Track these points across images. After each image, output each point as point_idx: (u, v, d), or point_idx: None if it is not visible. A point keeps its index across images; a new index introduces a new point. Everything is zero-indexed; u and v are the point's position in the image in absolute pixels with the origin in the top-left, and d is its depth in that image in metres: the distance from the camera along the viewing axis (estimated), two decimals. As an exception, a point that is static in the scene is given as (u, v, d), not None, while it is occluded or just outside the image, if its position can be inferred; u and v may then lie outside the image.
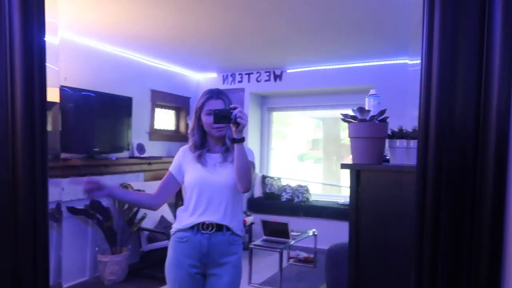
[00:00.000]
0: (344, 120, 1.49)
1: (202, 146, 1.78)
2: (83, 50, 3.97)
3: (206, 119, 1.73)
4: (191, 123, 1.83)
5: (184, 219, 1.73)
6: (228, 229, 1.71)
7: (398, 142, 1.40)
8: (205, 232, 1.68)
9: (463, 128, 0.91)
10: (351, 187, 1.42)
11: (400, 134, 1.40)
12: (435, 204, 0.92)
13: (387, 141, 1.46)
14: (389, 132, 1.46)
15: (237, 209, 1.76)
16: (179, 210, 1.79)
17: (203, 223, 1.69)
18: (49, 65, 0.96)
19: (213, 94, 1.78)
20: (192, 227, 1.70)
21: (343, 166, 1.48)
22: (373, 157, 1.40)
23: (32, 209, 1.01)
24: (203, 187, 1.71)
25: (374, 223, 1.36)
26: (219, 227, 1.69)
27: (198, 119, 1.78)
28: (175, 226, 1.78)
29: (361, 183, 1.38)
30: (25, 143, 1.02)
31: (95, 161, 4.00)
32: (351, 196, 1.43)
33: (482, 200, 0.89)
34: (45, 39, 0.97)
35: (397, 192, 1.28)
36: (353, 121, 1.45)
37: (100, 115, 4.07)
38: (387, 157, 1.57)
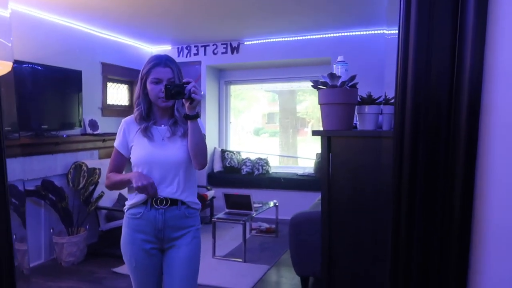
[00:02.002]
0: (314, 86, 1.48)
1: (148, 118, 1.66)
2: (27, 20, 3.65)
3: (152, 88, 1.61)
4: (136, 93, 1.70)
5: (135, 194, 1.64)
6: (183, 203, 1.65)
7: (367, 108, 1.42)
8: (159, 207, 1.61)
9: (438, 92, 0.93)
10: (322, 153, 1.44)
11: (370, 100, 1.42)
12: (412, 166, 0.94)
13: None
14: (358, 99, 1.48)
15: (190, 182, 1.68)
16: (130, 186, 1.67)
17: (156, 198, 1.62)
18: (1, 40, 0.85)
19: (161, 61, 1.64)
20: (145, 203, 1.63)
21: (314, 133, 1.49)
22: (344, 123, 1.41)
23: None
24: (152, 165, 1.62)
25: (345, 187, 1.39)
26: (174, 202, 1.63)
27: (144, 87, 1.65)
28: (127, 203, 1.69)
29: (333, 149, 1.39)
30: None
31: (45, 139, 3.76)
32: (322, 162, 1.44)
33: (455, 159, 0.93)
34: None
35: (368, 157, 1.31)
36: (323, 87, 1.45)
37: (48, 90, 3.80)
38: (355, 124, 1.60)
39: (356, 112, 1.51)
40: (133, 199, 1.65)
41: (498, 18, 0.88)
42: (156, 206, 1.60)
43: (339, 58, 1.54)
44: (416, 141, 0.93)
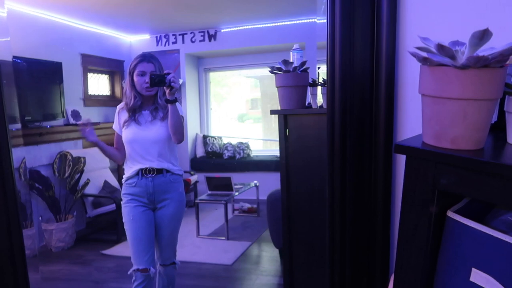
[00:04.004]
0: (271, 72, 1.67)
1: (137, 106, 2.02)
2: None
3: (138, 79, 1.97)
4: (125, 85, 2.06)
5: (129, 168, 2.04)
6: (167, 171, 2.02)
7: (319, 89, 1.62)
8: (148, 176, 2.00)
9: (361, 73, 1.12)
10: (279, 130, 1.63)
11: (314, 83, 1.62)
12: (342, 135, 1.14)
13: (309, 89, 1.68)
14: (310, 81, 1.67)
15: (171, 154, 2.05)
16: (125, 162, 2.09)
17: (145, 169, 2.00)
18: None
19: (145, 57, 1.99)
20: (137, 173, 2.01)
21: (272, 112, 1.69)
22: (297, 103, 1.61)
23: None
24: (137, 142, 2.00)
25: (300, 161, 1.60)
26: (159, 171, 2.01)
27: (132, 79, 2.00)
28: (124, 176, 2.07)
29: (289, 126, 1.59)
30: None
31: (28, 130, 3.87)
32: (280, 139, 1.64)
33: (377, 128, 1.13)
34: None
35: (318, 132, 1.51)
36: (279, 72, 1.64)
37: (30, 82, 3.90)
38: (311, 104, 1.80)
39: (310, 93, 1.71)
40: (128, 171, 2.05)
41: (407, 10, 1.08)
42: (145, 175, 2.00)
43: (295, 46, 1.73)
44: (344, 113, 1.13)
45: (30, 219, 3.78)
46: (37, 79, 4.01)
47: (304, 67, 1.61)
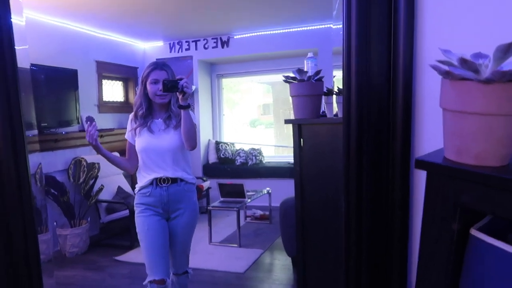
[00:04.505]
0: (285, 81, 1.66)
1: (148, 114, 2.01)
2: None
3: (151, 87, 1.95)
4: (137, 92, 2.05)
5: (143, 177, 2.02)
6: (181, 180, 2.00)
7: (331, 98, 1.60)
8: (162, 185, 1.97)
9: (378, 83, 1.11)
10: (294, 139, 1.62)
11: (330, 92, 1.60)
12: (358, 145, 1.12)
13: (324, 98, 1.66)
14: (324, 89, 1.66)
15: (185, 163, 2.03)
16: (137, 171, 2.07)
17: (159, 178, 1.97)
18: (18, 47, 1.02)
19: (158, 65, 1.99)
20: (151, 183, 1.98)
21: (287, 121, 1.67)
22: (311, 112, 1.60)
23: (16, 180, 1.10)
24: (150, 151, 1.97)
25: (315, 170, 1.58)
26: (174, 180, 1.99)
27: (144, 87, 1.99)
28: (137, 185, 2.04)
29: (303, 135, 1.58)
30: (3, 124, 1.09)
31: (44, 136, 3.93)
32: (294, 148, 1.63)
33: (394, 138, 1.11)
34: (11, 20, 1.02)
35: (333, 141, 1.49)
36: (293, 81, 1.63)
37: (46, 89, 3.97)
38: (325, 112, 1.78)
39: (324, 102, 1.70)
40: (141, 181, 2.02)
41: (424, 18, 1.06)
42: (160, 185, 1.97)
43: (309, 55, 1.72)
44: (361, 124, 1.11)
45: (45, 224, 3.82)
46: (53, 86, 4.08)
47: (318, 76, 1.60)
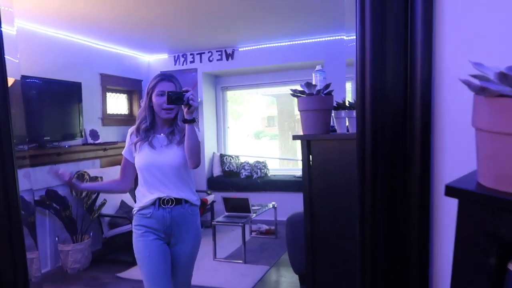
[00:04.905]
0: (293, 95, 1.59)
1: (151, 128, 1.88)
2: (25, 35, 3.77)
3: (157, 100, 1.83)
4: (142, 104, 1.92)
5: (144, 196, 1.85)
6: (186, 201, 1.85)
7: (343, 113, 1.53)
8: (166, 206, 1.81)
9: (393, 97, 1.04)
10: (302, 156, 1.55)
11: (342, 106, 1.53)
12: (373, 164, 1.05)
13: (333, 112, 1.59)
14: (334, 104, 1.59)
15: (188, 182, 1.89)
16: (137, 190, 1.90)
17: (163, 199, 1.81)
18: (8, 57, 0.96)
19: (165, 76, 1.87)
20: (153, 203, 1.82)
21: (295, 137, 1.60)
22: (321, 127, 1.52)
23: (4, 199, 1.03)
24: (152, 168, 1.82)
25: (324, 186, 1.50)
26: (178, 201, 1.83)
27: (150, 100, 1.86)
28: (137, 205, 1.88)
29: (312, 151, 1.51)
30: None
31: (47, 150, 3.88)
32: (303, 164, 1.55)
33: (411, 158, 1.04)
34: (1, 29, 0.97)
35: (343, 157, 1.42)
36: (301, 95, 1.56)
37: (49, 102, 3.93)
38: (334, 127, 1.71)
39: (334, 117, 1.63)
40: (141, 200, 1.85)
41: (444, 25, 0.99)
42: (163, 206, 1.81)
43: (317, 68, 1.65)
44: (376, 140, 1.04)
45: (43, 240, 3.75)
46: (57, 99, 4.05)
47: (328, 90, 1.53)
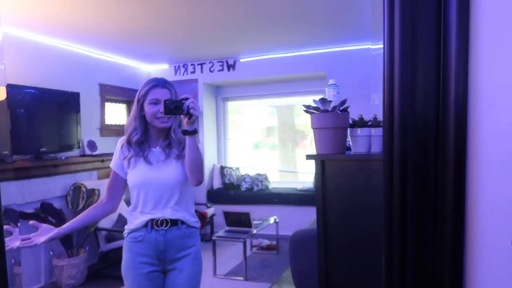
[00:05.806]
0: (306, 111, 1.50)
1: (145, 142, 1.67)
2: (23, 44, 3.69)
3: (150, 109, 1.61)
4: (131, 114, 1.69)
5: (135, 218, 1.64)
6: (183, 222, 1.64)
7: (360, 131, 1.45)
8: (159, 228, 1.60)
9: (424, 116, 0.95)
10: (316, 176, 1.45)
11: (362, 123, 1.45)
12: (402, 191, 0.96)
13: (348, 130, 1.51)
14: (350, 121, 1.51)
15: (187, 201, 1.69)
16: (128, 210, 1.69)
17: (156, 220, 1.60)
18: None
19: (158, 82, 1.66)
20: (145, 225, 1.61)
21: (308, 157, 1.50)
22: (337, 146, 1.43)
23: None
24: (148, 187, 1.62)
25: (340, 210, 1.41)
26: (174, 222, 1.62)
27: (140, 108, 1.65)
28: (127, 227, 1.67)
29: (326, 172, 1.41)
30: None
31: (43, 161, 3.77)
32: (316, 185, 1.46)
33: (444, 185, 0.94)
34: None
35: (361, 179, 1.33)
36: (315, 112, 1.47)
37: (46, 113, 3.83)
38: (348, 145, 1.62)
39: (349, 135, 1.54)
40: (133, 222, 1.63)
41: (480, 37, 0.91)
42: (156, 228, 1.59)
43: (331, 82, 1.57)
44: (405, 164, 0.95)
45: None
46: (55, 109, 3.95)
47: (344, 106, 1.44)
